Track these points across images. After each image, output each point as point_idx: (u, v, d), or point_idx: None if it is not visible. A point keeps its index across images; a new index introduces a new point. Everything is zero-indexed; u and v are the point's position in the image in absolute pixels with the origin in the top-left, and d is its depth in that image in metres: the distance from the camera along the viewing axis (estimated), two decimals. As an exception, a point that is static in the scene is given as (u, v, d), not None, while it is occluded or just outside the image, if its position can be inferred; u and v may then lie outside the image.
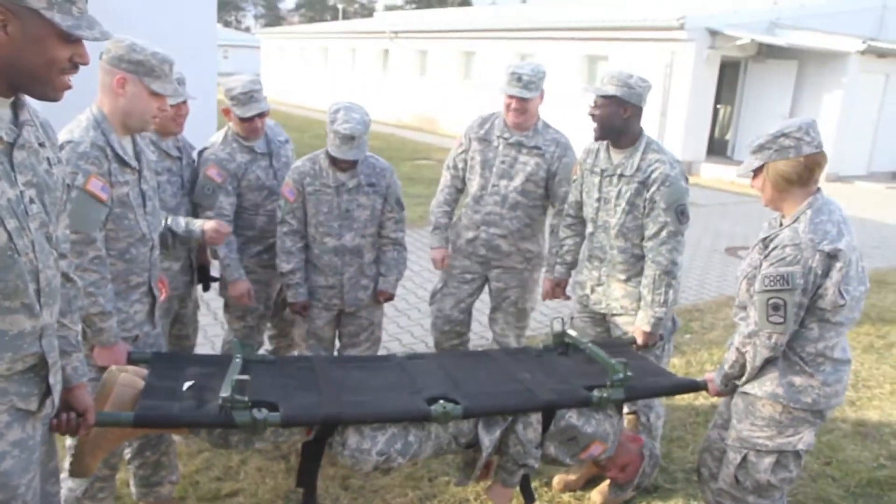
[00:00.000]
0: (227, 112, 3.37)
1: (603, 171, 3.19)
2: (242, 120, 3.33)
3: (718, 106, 15.53)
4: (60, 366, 1.79)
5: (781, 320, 2.32)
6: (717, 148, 15.72)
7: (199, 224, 3.01)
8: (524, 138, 3.64)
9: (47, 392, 1.71)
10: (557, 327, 3.14)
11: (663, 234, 3.04)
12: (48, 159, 1.67)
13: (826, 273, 2.31)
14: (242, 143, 3.41)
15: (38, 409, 1.70)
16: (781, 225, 2.46)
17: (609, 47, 15.46)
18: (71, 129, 2.36)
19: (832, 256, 2.30)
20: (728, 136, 15.88)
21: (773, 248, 2.36)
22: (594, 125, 3.13)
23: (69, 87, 1.62)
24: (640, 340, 3.14)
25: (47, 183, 1.65)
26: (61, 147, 2.27)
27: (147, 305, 2.62)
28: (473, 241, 3.78)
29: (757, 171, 2.43)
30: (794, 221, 2.37)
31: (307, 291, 3.43)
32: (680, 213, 3.03)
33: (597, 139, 3.19)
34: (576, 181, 3.42)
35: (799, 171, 2.35)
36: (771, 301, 2.32)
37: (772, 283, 2.31)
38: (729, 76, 15.28)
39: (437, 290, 3.95)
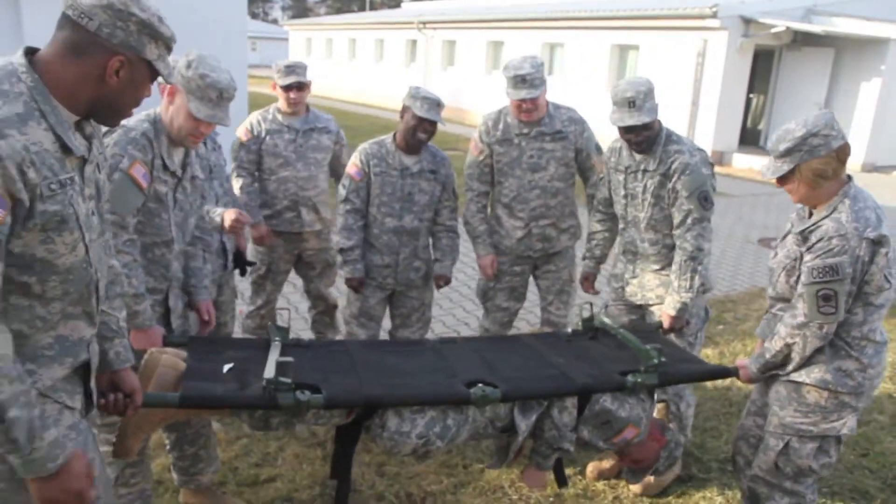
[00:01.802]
0: (273, 86, 3.93)
1: (627, 168, 3.23)
2: (283, 89, 3.86)
3: (751, 95, 15.27)
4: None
5: (833, 310, 2.34)
6: (750, 138, 15.48)
7: (219, 212, 3.02)
8: (544, 127, 3.63)
9: (87, 392, 1.77)
10: (586, 313, 3.18)
11: (688, 221, 3.08)
12: (98, 165, 1.75)
13: (872, 259, 2.34)
14: (276, 116, 3.94)
15: (83, 407, 1.76)
16: (811, 216, 2.47)
17: (640, 36, 15.28)
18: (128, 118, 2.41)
19: (877, 243, 2.33)
20: (761, 126, 15.62)
21: (818, 241, 2.36)
22: (635, 144, 3.12)
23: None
24: (666, 324, 3.18)
25: (101, 192, 1.73)
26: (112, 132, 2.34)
27: (157, 314, 2.60)
28: (526, 239, 3.76)
29: (787, 174, 2.42)
30: (833, 212, 2.37)
31: (364, 269, 3.55)
32: (703, 200, 3.05)
33: (640, 152, 3.17)
34: (602, 178, 3.47)
35: (833, 166, 2.36)
36: (821, 292, 2.33)
37: (821, 275, 2.33)
38: (762, 65, 15.01)
39: (490, 287, 3.91)
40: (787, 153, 2.38)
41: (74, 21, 1.52)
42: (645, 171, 3.15)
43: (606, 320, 3.17)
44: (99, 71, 1.56)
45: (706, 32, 13.81)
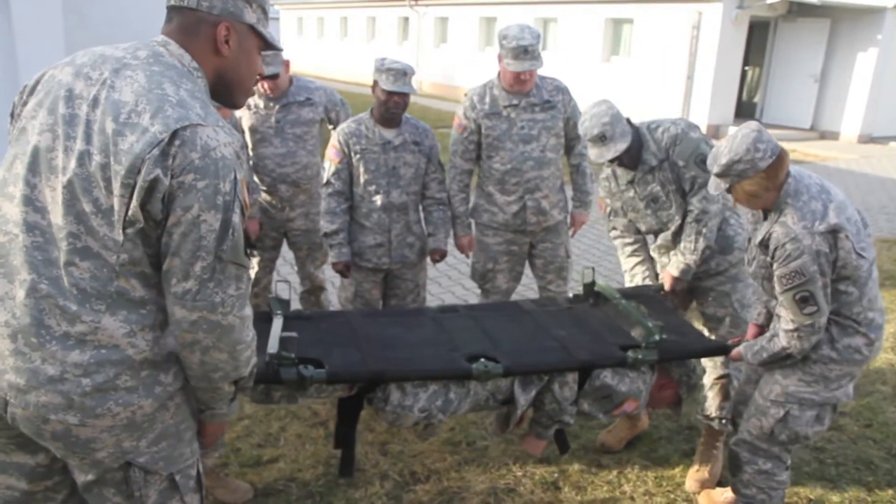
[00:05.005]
0: None
1: (631, 181, 3.14)
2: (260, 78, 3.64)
3: (746, 68, 15.15)
4: None
5: (815, 308, 2.38)
6: (746, 111, 15.39)
7: None
8: (532, 98, 3.56)
9: None
10: (588, 277, 3.15)
11: (695, 187, 3.05)
12: None
13: (835, 247, 2.37)
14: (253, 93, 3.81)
15: None
16: (766, 218, 2.51)
17: (634, 10, 15.12)
18: None
19: (832, 232, 2.36)
20: (756, 99, 15.53)
21: (775, 249, 2.40)
22: (625, 165, 3.08)
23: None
24: (667, 286, 3.15)
25: None
26: None
27: None
28: (521, 213, 3.65)
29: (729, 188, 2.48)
30: (780, 215, 2.41)
31: (350, 252, 3.49)
32: (701, 162, 2.98)
33: (633, 168, 3.11)
34: (609, 212, 3.32)
35: (765, 183, 2.40)
36: (798, 296, 2.38)
37: (790, 281, 2.37)
38: (758, 37, 14.89)
39: (488, 269, 3.79)
40: (719, 175, 2.44)
41: (177, 7, 1.60)
42: (650, 170, 3.07)
43: (603, 284, 3.15)
44: (211, 44, 1.61)
45: (701, 4, 13.67)
